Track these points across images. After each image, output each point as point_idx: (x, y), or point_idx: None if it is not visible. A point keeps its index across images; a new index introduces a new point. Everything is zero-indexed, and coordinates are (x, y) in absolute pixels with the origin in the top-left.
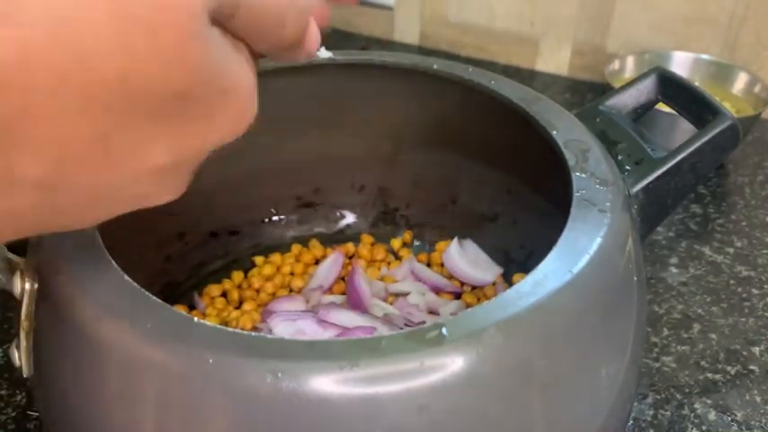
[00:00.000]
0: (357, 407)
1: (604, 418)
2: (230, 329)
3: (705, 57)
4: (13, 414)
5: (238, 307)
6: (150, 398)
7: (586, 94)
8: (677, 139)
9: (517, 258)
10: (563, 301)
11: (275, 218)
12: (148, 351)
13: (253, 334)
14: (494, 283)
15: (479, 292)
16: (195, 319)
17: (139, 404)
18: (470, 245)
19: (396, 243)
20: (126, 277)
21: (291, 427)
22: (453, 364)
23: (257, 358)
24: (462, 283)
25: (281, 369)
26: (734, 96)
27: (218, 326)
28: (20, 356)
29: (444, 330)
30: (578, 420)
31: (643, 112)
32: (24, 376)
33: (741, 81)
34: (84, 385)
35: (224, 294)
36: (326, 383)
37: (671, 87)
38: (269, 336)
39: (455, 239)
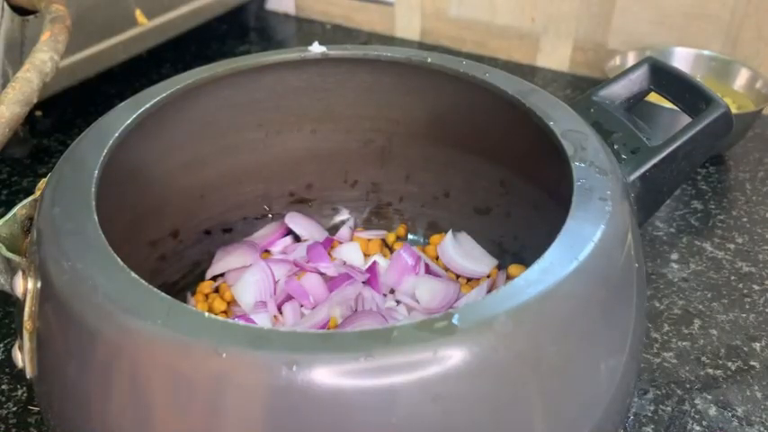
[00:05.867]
0: (372, 397)
1: (606, 403)
2: (242, 323)
3: (706, 52)
4: (14, 409)
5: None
6: (163, 395)
7: (587, 91)
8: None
9: (511, 250)
10: (571, 288)
11: (269, 214)
12: (160, 347)
13: (265, 327)
14: (489, 275)
15: (475, 283)
16: (206, 313)
17: (152, 401)
18: (465, 237)
19: (390, 237)
20: (133, 274)
21: (306, 418)
22: (466, 352)
23: (270, 351)
24: (458, 276)
25: (294, 361)
26: (735, 92)
27: (230, 320)
28: (23, 358)
29: (455, 319)
30: (581, 406)
31: (636, 102)
32: (28, 377)
33: (742, 77)
34: (94, 384)
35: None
36: (341, 375)
37: (663, 77)
38: (282, 329)
39: (449, 232)
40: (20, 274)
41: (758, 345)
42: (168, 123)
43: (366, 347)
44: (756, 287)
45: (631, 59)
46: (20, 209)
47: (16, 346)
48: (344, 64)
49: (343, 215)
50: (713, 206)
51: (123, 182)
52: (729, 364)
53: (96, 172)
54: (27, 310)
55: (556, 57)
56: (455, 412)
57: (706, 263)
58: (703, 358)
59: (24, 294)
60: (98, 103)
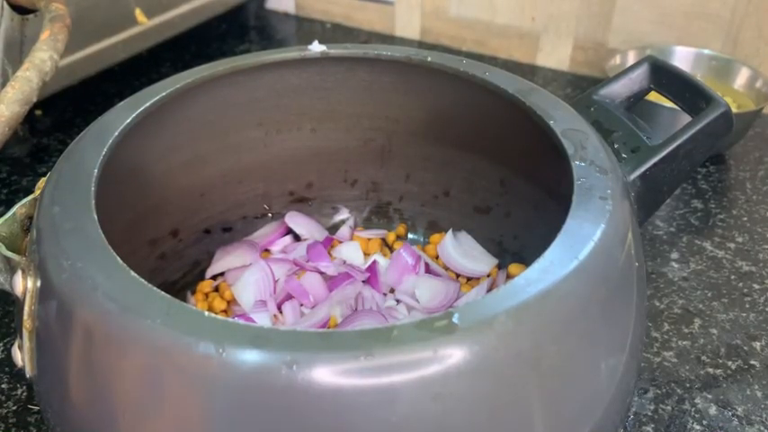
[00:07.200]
0: (372, 397)
1: (607, 402)
2: (242, 323)
3: (707, 52)
4: (14, 408)
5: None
6: (162, 393)
7: (587, 90)
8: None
9: (511, 249)
10: (571, 288)
11: (269, 214)
12: (160, 346)
13: (265, 326)
14: (489, 274)
15: (475, 283)
16: (206, 313)
17: (151, 400)
18: (465, 237)
19: (390, 236)
20: (132, 273)
21: (307, 418)
22: (466, 351)
23: (271, 350)
24: (458, 275)
25: (294, 360)
26: (735, 91)
27: (230, 319)
28: (23, 357)
29: (455, 318)
30: (581, 405)
31: (636, 101)
32: (27, 376)
33: (742, 76)
34: (93, 383)
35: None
36: (341, 374)
37: (663, 76)
38: (281, 328)
39: (449, 232)
40: (19, 272)
41: (758, 344)
42: (168, 122)
43: (366, 346)
44: (756, 286)
45: (631, 58)
46: (19, 208)
47: (16, 345)
48: (344, 63)
49: (343, 214)
50: (713, 205)
51: (123, 181)
52: (729, 363)
53: (96, 171)
54: (26, 309)
55: (556, 56)
56: (455, 411)
57: (706, 262)
58: (703, 357)
59: (24, 293)
60: (98, 102)
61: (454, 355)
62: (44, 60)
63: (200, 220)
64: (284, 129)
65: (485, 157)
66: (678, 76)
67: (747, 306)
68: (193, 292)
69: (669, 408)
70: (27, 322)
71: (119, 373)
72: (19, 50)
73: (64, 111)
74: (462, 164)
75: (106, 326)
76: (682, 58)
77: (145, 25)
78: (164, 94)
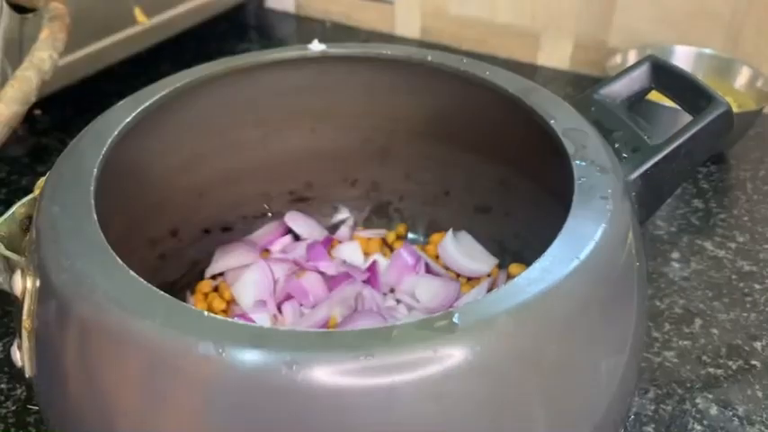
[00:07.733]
0: (372, 397)
1: (607, 403)
2: (242, 322)
3: (707, 51)
4: (14, 408)
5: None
6: (162, 393)
7: (588, 89)
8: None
9: (512, 248)
10: (572, 288)
11: (269, 213)
12: (159, 346)
13: (265, 326)
14: (489, 274)
15: (475, 282)
16: (205, 312)
17: (150, 400)
18: (465, 236)
19: (390, 236)
20: (132, 273)
21: (307, 418)
22: (467, 351)
23: (270, 350)
24: (458, 275)
25: (294, 361)
26: (736, 91)
27: (230, 319)
28: (22, 357)
29: (456, 318)
30: (582, 405)
31: (637, 101)
32: (27, 376)
33: (743, 76)
34: (92, 383)
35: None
36: (341, 374)
37: (664, 75)
38: (281, 328)
39: (449, 231)
40: (19, 272)
41: (759, 344)
42: (167, 122)
43: (366, 346)
44: (757, 286)
45: (632, 58)
46: (19, 207)
47: (15, 345)
48: (344, 62)
49: (343, 214)
50: (714, 205)
51: (122, 180)
52: (730, 363)
53: (95, 170)
54: (26, 308)
55: (556, 55)
56: (455, 412)
57: (707, 262)
58: (704, 357)
59: (23, 293)
60: (97, 101)
61: (455, 355)
62: (43, 59)
63: (200, 220)
64: (284, 128)
65: (485, 156)
66: (679, 75)
67: (748, 306)
68: (193, 292)
69: (670, 408)
70: (26, 322)
71: (118, 374)
72: (18, 49)
73: (64, 110)
74: (463, 163)
75: (106, 326)
76: (682, 58)
77: (144, 24)
78: (163, 93)
